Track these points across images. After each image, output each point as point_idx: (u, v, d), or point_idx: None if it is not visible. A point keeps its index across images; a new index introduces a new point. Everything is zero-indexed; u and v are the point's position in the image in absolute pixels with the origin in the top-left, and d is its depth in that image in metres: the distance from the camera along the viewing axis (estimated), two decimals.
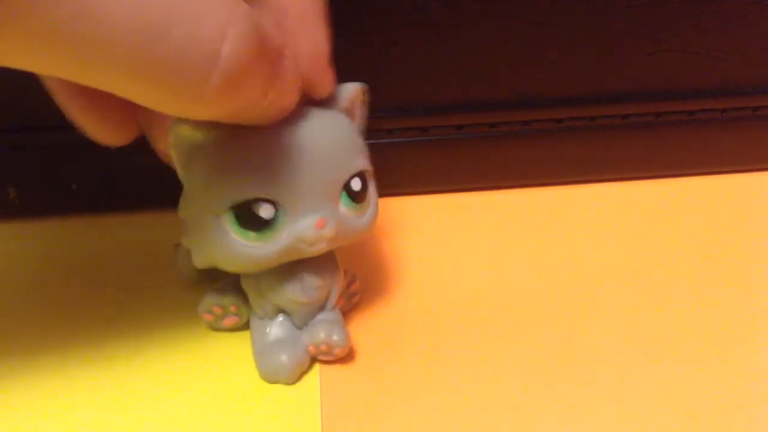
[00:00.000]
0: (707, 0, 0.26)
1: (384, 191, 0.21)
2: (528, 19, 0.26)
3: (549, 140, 0.29)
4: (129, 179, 0.27)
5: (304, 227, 0.19)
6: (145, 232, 0.27)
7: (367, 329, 0.23)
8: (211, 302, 0.22)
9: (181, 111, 0.15)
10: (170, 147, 0.18)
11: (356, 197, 0.20)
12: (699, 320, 0.23)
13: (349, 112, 0.20)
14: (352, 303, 0.23)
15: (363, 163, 0.20)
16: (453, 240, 0.27)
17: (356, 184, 0.20)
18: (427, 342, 0.22)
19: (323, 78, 0.19)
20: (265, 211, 0.18)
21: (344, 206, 0.20)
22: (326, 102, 0.20)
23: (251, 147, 0.18)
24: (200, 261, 0.20)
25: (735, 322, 0.23)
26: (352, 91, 0.20)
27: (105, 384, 0.21)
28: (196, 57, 0.14)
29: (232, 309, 0.22)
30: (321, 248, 0.19)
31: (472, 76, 0.27)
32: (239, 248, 0.19)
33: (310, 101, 0.19)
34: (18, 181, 0.27)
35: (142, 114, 0.20)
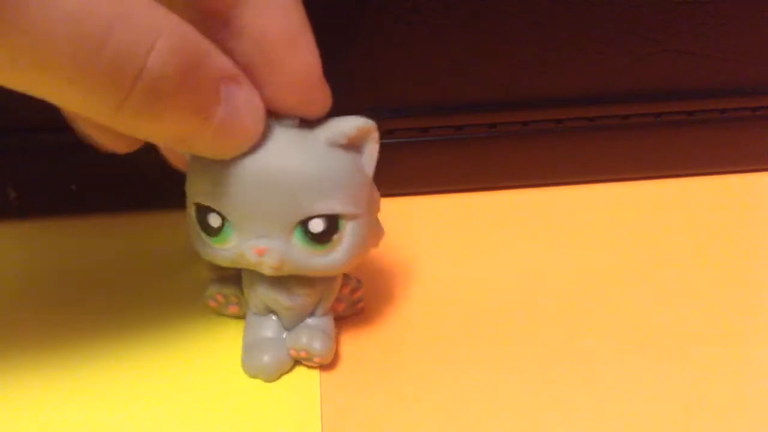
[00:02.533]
0: (707, 0, 0.26)
1: (383, 192, 0.21)
2: (527, 19, 0.26)
3: (548, 140, 0.28)
4: (129, 180, 0.27)
5: (245, 249, 0.19)
6: (145, 233, 0.27)
7: (366, 330, 0.23)
8: (215, 291, 0.22)
9: (109, 122, 0.15)
10: None
11: (314, 239, 0.18)
12: (699, 320, 0.23)
13: (348, 149, 0.19)
14: (355, 309, 0.23)
15: (336, 206, 0.18)
16: (452, 241, 0.27)
17: (316, 226, 0.18)
18: (427, 343, 0.22)
19: (316, 98, 0.18)
20: (213, 220, 0.19)
21: (298, 242, 0.19)
22: (317, 132, 0.18)
23: (214, 159, 0.18)
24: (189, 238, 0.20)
25: (735, 322, 0.23)
26: (353, 127, 0.18)
27: (105, 383, 0.21)
28: (125, 67, 0.14)
29: (233, 299, 0.22)
30: (267, 272, 0.19)
31: (472, 77, 0.27)
32: (202, 242, 0.19)
33: (301, 125, 0.19)
34: (18, 182, 0.27)
35: None
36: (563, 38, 0.26)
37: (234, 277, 0.22)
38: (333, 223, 0.18)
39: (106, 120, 0.15)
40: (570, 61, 0.27)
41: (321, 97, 0.18)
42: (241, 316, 0.22)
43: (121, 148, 0.20)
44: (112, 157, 0.26)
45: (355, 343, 0.22)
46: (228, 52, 0.17)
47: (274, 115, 0.18)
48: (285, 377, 0.21)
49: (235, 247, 0.19)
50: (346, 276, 0.22)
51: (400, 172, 0.28)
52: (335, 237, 0.19)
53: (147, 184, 0.26)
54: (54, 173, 0.27)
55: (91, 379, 0.21)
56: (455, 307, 0.24)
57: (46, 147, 0.26)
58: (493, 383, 0.21)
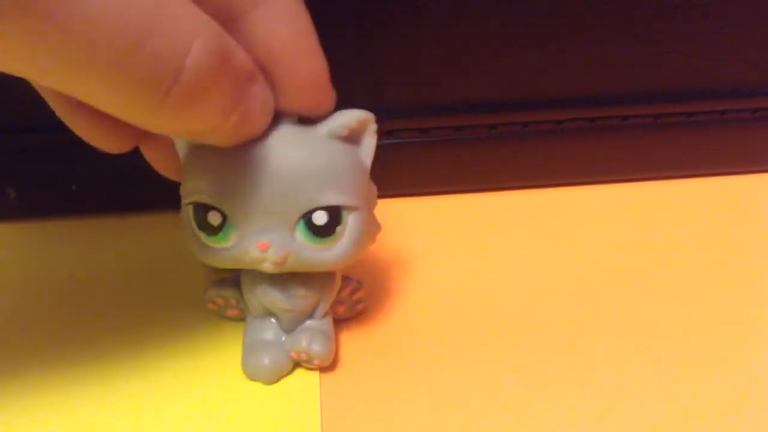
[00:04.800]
0: (707, 1, 0.26)
1: (383, 192, 0.21)
2: (528, 20, 0.26)
3: (549, 141, 0.29)
4: (129, 180, 0.27)
5: (248, 245, 0.19)
6: (145, 233, 0.27)
7: (366, 331, 0.23)
8: (214, 293, 0.22)
9: (140, 122, 0.15)
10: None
11: (317, 231, 0.19)
12: (699, 320, 0.23)
13: (348, 142, 0.19)
14: (355, 310, 0.23)
15: (339, 198, 0.18)
16: (452, 241, 0.27)
17: (319, 219, 0.18)
18: (426, 344, 0.22)
19: (322, 101, 0.19)
20: (213, 218, 0.19)
21: (302, 236, 0.19)
22: (317, 126, 0.19)
23: (213, 155, 0.18)
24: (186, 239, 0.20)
25: (735, 322, 0.23)
26: (353, 119, 0.19)
27: (105, 383, 0.21)
28: (162, 69, 0.14)
29: (233, 302, 0.22)
30: (269, 269, 0.19)
31: (472, 78, 0.27)
32: (200, 244, 0.19)
33: (301, 121, 0.19)
34: (18, 182, 0.27)
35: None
36: (563, 39, 0.26)
37: (233, 280, 0.22)
38: (335, 215, 0.19)
39: (137, 120, 0.15)
40: (570, 62, 0.27)
41: (327, 99, 0.19)
42: (240, 319, 0.22)
43: (113, 148, 0.20)
44: (112, 157, 0.26)
45: (354, 344, 0.22)
46: None
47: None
48: (285, 378, 0.21)
49: (237, 245, 0.19)
50: (346, 278, 0.22)
51: (401, 173, 0.28)
52: (338, 229, 0.19)
53: (147, 184, 0.26)
54: (54, 173, 0.27)
55: (90, 380, 0.21)
56: (455, 308, 0.24)
57: (46, 147, 0.26)
58: (492, 383, 0.21)
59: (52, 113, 0.19)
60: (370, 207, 0.20)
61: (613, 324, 0.23)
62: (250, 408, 0.20)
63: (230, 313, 0.23)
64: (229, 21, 0.17)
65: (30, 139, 0.26)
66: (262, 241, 0.18)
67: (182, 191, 0.19)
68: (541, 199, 0.29)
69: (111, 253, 0.26)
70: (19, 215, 0.28)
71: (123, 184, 0.28)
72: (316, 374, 0.21)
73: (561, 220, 0.28)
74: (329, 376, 0.21)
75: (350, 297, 0.22)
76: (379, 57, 0.26)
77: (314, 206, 0.18)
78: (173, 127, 0.16)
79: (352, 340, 0.22)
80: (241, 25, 0.17)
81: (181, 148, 0.19)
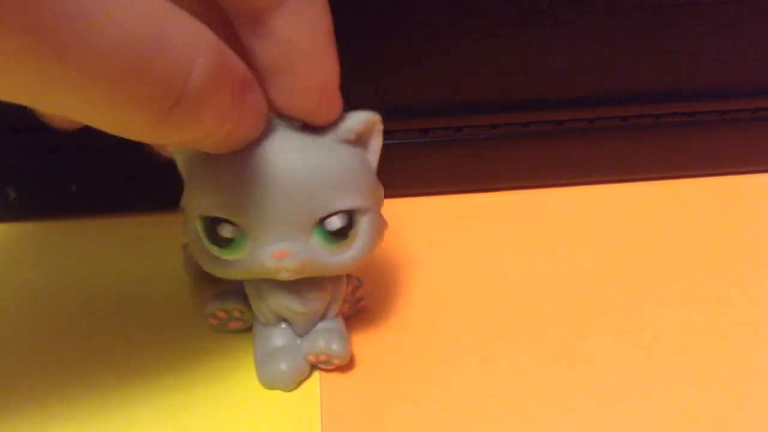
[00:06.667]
0: (706, 1, 0.26)
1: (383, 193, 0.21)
2: (527, 20, 0.26)
3: (548, 142, 0.29)
4: (129, 180, 0.27)
5: (263, 255, 0.18)
6: (146, 234, 0.27)
7: (366, 332, 0.23)
8: (215, 307, 0.22)
9: (135, 136, 0.15)
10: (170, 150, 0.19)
11: (333, 236, 0.18)
12: (699, 321, 0.23)
13: (356, 144, 0.19)
14: (357, 308, 0.23)
15: (352, 201, 0.18)
16: (452, 242, 0.27)
17: (334, 223, 0.18)
18: (426, 344, 0.23)
19: (330, 108, 0.18)
20: (225, 231, 0.18)
21: (317, 241, 0.19)
22: (324, 130, 0.18)
23: (222, 166, 0.18)
24: (192, 253, 0.20)
25: (735, 323, 0.23)
26: (360, 122, 0.18)
27: (103, 385, 0.21)
28: (166, 91, 0.14)
29: (236, 314, 0.22)
30: (286, 277, 0.19)
31: (472, 78, 0.27)
32: (210, 258, 0.19)
33: (306, 127, 0.18)
34: (18, 183, 0.27)
35: None
36: (563, 40, 0.26)
37: (234, 291, 0.21)
38: (350, 218, 0.19)
39: (133, 135, 0.15)
40: (569, 63, 0.27)
41: (334, 105, 0.18)
42: (242, 330, 0.22)
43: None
44: (112, 159, 0.26)
45: (354, 344, 0.22)
46: (249, 50, 0.17)
47: (279, 117, 0.18)
48: None
49: (250, 256, 0.18)
50: (347, 276, 0.22)
51: (400, 174, 0.28)
52: (352, 232, 0.19)
53: (147, 184, 0.26)
54: (54, 173, 0.27)
55: (88, 382, 0.21)
56: (455, 308, 0.24)
57: (46, 147, 0.26)
58: (492, 383, 0.21)
59: None
60: (379, 206, 0.20)
61: (614, 324, 0.23)
62: (250, 408, 0.20)
63: (232, 326, 0.22)
64: (251, 17, 0.17)
65: (30, 139, 0.26)
66: (278, 251, 0.18)
67: (187, 206, 0.19)
68: (541, 199, 0.29)
69: (111, 253, 0.26)
70: (19, 215, 0.28)
71: (123, 184, 0.28)
72: (316, 376, 0.21)
73: (561, 220, 0.28)
74: (329, 376, 0.21)
75: (352, 295, 0.22)
76: (379, 57, 0.26)
77: (329, 212, 0.18)
78: (169, 140, 0.16)
79: (352, 340, 0.22)
80: (262, 22, 0.17)
81: (182, 162, 0.19)
